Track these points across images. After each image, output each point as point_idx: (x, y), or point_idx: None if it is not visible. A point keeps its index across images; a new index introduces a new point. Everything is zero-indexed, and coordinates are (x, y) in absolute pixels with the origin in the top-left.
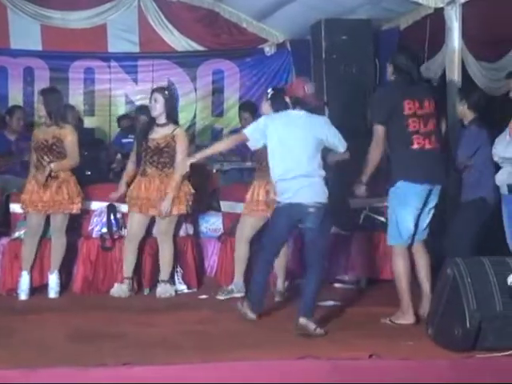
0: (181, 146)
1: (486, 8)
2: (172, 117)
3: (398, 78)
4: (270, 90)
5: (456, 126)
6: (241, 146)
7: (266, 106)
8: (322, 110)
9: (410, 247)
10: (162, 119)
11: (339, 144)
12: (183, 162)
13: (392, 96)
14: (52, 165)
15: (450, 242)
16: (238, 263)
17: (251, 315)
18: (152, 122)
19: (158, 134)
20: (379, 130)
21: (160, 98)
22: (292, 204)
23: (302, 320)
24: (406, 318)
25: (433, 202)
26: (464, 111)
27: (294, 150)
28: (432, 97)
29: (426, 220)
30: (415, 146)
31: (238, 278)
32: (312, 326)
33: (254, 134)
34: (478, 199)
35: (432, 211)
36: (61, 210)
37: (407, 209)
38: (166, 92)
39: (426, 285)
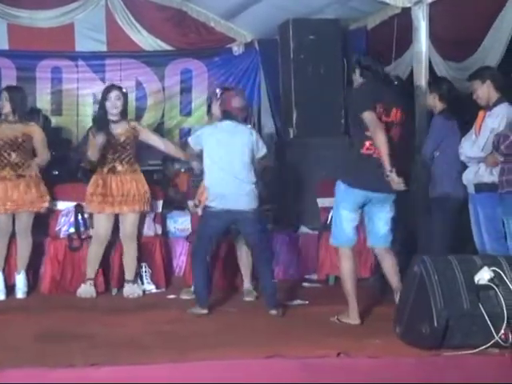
0: (147, 132)
1: (452, 8)
2: (124, 115)
3: (367, 80)
4: (218, 90)
5: (425, 121)
6: None
7: (215, 107)
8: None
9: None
10: (118, 116)
11: (261, 151)
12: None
13: (371, 93)
14: (35, 167)
15: (423, 242)
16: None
17: (202, 310)
18: (106, 120)
19: (120, 130)
20: (369, 116)
21: (121, 96)
22: (230, 210)
23: (273, 311)
24: (351, 319)
25: (385, 211)
26: (435, 102)
27: (232, 157)
28: (401, 105)
29: (383, 228)
30: (363, 151)
31: None
32: (281, 313)
33: (194, 140)
34: (442, 196)
35: (388, 219)
36: (30, 209)
37: (343, 210)
38: (124, 90)
39: (394, 279)
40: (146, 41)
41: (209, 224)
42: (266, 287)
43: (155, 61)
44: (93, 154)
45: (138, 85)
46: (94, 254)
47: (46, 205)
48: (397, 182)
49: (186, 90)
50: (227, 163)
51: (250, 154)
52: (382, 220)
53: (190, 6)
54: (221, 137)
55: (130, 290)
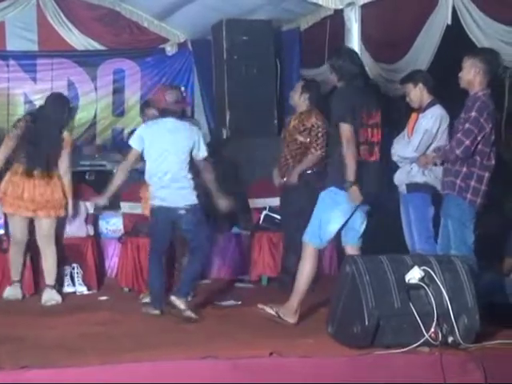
0: (68, 149)
1: (384, 10)
2: None
3: (348, 83)
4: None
5: None
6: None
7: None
8: (189, 112)
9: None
10: None
11: (200, 152)
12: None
13: (355, 100)
14: None
15: None
16: None
17: (154, 311)
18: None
19: None
20: (347, 129)
21: None
22: (166, 207)
23: (173, 298)
24: (291, 317)
25: (364, 210)
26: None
27: (167, 155)
28: (378, 106)
29: (362, 224)
30: (358, 157)
31: None
32: (182, 306)
33: (135, 142)
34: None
35: (366, 216)
36: None
37: (336, 214)
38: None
39: None
40: (78, 40)
41: (155, 221)
42: (183, 275)
43: (87, 61)
44: None
45: (70, 85)
46: (13, 255)
47: None
48: (355, 196)
49: (118, 90)
50: (165, 161)
51: (188, 152)
52: (360, 218)
53: (122, 5)
54: (161, 134)
55: (49, 296)
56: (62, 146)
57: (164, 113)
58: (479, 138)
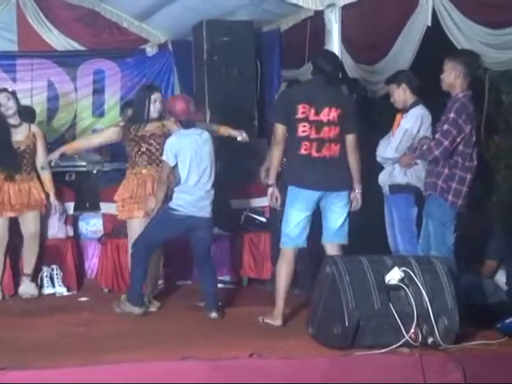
0: (42, 143)
1: (364, 12)
2: (23, 114)
3: (311, 78)
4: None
5: None
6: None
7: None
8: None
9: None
10: (17, 118)
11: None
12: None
13: (289, 97)
14: None
15: None
16: None
17: (138, 310)
18: (5, 124)
19: (20, 136)
20: (278, 128)
21: (10, 95)
22: (194, 217)
23: (214, 315)
24: (275, 319)
25: (340, 203)
26: None
27: (204, 166)
28: (338, 106)
29: (336, 221)
30: (302, 152)
31: None
32: (221, 317)
33: (171, 158)
34: None
35: (344, 212)
36: None
37: (291, 212)
38: (10, 89)
39: None
40: (58, 41)
41: (169, 227)
42: (208, 292)
43: (67, 61)
44: None
45: (50, 85)
46: None
47: None
48: (271, 198)
49: (98, 90)
50: (200, 172)
51: (213, 161)
52: (334, 214)
53: (102, 6)
54: (193, 146)
55: (26, 289)
56: (35, 143)
57: (188, 124)
58: (458, 140)
